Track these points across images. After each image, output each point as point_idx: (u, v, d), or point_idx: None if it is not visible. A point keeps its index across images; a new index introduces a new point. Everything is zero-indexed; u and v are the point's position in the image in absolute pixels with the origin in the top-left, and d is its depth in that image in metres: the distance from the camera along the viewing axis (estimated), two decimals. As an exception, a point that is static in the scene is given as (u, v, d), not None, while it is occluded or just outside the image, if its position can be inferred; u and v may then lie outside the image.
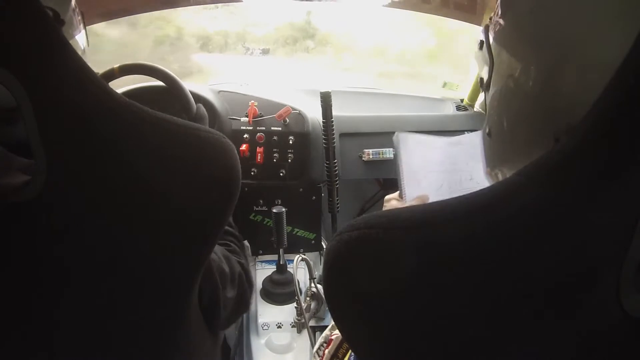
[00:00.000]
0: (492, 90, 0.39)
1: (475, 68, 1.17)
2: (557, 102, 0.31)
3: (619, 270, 0.25)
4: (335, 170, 1.05)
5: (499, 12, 0.37)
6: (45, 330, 0.42)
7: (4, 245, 0.38)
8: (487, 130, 0.41)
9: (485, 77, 0.40)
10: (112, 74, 0.87)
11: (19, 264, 0.39)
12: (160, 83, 0.92)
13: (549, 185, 0.26)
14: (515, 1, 0.35)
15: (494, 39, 0.38)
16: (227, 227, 0.74)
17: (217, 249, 0.62)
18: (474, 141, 0.91)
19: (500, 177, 0.39)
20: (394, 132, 1.16)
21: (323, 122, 1.01)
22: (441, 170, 0.84)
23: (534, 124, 0.33)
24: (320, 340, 0.66)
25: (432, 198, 0.76)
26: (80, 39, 0.54)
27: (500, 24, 0.36)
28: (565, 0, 0.30)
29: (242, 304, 0.67)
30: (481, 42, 0.40)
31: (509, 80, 0.35)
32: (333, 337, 0.62)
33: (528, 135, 0.35)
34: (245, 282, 0.66)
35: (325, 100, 1.00)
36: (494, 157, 0.41)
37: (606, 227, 0.25)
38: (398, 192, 0.79)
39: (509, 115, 0.37)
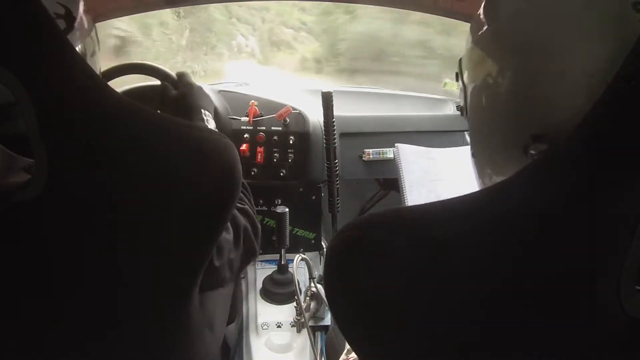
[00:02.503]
0: (470, 104, 0.41)
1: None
2: (532, 108, 0.31)
3: (619, 271, 0.25)
4: (336, 170, 1.05)
5: (482, 17, 0.37)
6: (44, 329, 0.42)
7: (5, 244, 0.38)
8: (472, 152, 0.43)
9: (462, 103, 0.42)
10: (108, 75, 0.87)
11: (20, 263, 0.39)
12: (159, 83, 0.91)
13: (549, 186, 0.26)
14: (498, 7, 0.35)
15: (475, 42, 0.38)
16: None
17: None
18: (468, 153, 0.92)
19: (487, 180, 0.40)
20: (394, 132, 1.16)
21: (324, 122, 1.01)
22: (439, 180, 0.85)
23: (509, 130, 0.34)
24: None
25: None
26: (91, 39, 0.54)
27: (482, 29, 0.37)
28: (546, 8, 0.30)
29: (251, 254, 0.66)
30: (456, 74, 0.42)
31: (487, 85, 0.36)
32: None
33: (505, 142, 0.35)
34: (251, 234, 0.66)
35: (327, 100, 1.00)
36: (482, 175, 0.42)
37: (606, 227, 0.25)
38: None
39: (487, 123, 0.38)
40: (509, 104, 0.33)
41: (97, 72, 0.54)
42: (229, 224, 0.61)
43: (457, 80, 0.43)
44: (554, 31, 0.29)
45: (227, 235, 0.60)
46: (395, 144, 0.95)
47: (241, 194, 0.71)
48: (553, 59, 0.29)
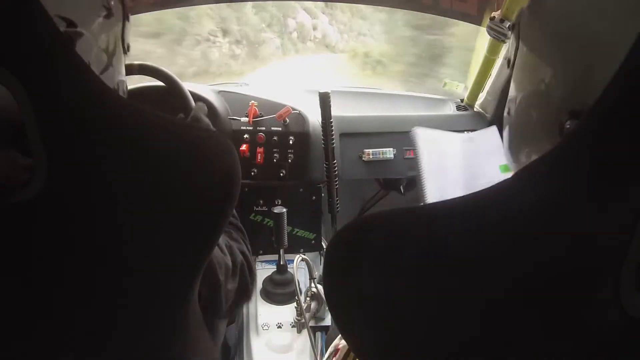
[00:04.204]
0: (515, 79, 0.40)
1: (476, 68, 1.17)
2: (576, 103, 0.31)
3: (619, 271, 0.25)
4: (335, 171, 1.05)
5: (527, 10, 0.37)
6: (44, 328, 0.42)
7: (5, 244, 0.38)
8: (507, 111, 0.42)
9: (511, 58, 0.41)
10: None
11: (20, 263, 0.39)
12: (159, 83, 0.92)
13: (549, 186, 0.26)
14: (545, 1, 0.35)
15: (518, 34, 0.38)
16: (231, 218, 0.74)
17: (220, 240, 0.62)
18: (485, 137, 0.91)
19: (524, 160, 0.39)
20: (394, 132, 1.16)
21: (322, 122, 1.01)
22: (457, 166, 0.84)
23: (552, 121, 0.33)
24: (330, 349, 0.66)
25: (450, 193, 0.76)
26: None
27: (525, 20, 0.36)
28: (593, 2, 0.30)
29: (245, 294, 0.67)
30: (512, 25, 0.41)
31: (533, 78, 0.35)
32: (340, 347, 0.62)
33: (544, 130, 0.35)
34: (246, 271, 0.66)
35: (324, 101, 1.00)
36: (515, 138, 0.41)
37: (606, 227, 0.25)
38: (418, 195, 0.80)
39: (530, 107, 0.37)
40: (551, 89, 0.33)
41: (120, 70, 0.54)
42: (226, 251, 0.62)
43: (511, 30, 0.42)
44: (602, 21, 0.29)
45: (226, 259, 0.60)
46: (412, 129, 0.94)
47: (238, 235, 0.72)
48: (598, 52, 0.29)
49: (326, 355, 0.66)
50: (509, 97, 0.41)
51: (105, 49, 0.49)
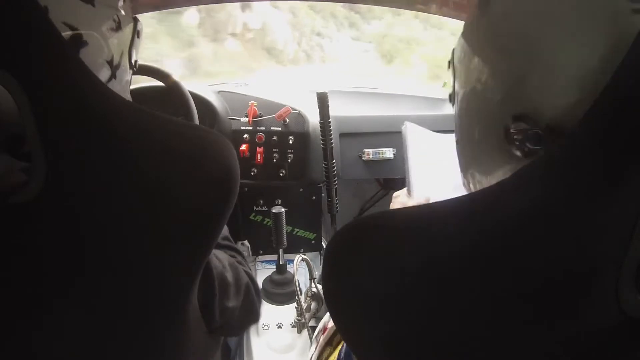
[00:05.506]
0: (458, 98, 0.40)
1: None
2: (520, 106, 0.31)
3: (619, 271, 0.25)
4: (334, 171, 1.05)
5: (474, 15, 0.37)
6: (43, 330, 0.42)
7: (2, 246, 0.38)
8: (456, 139, 0.42)
9: (451, 91, 0.42)
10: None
11: (19, 266, 0.39)
12: (159, 83, 0.92)
13: (548, 186, 0.26)
14: (490, 4, 0.35)
15: (465, 40, 0.38)
16: (227, 242, 0.74)
17: (224, 257, 0.63)
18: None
19: (471, 180, 0.40)
20: (394, 132, 1.16)
21: (320, 122, 1.02)
22: (446, 166, 0.84)
23: (495, 127, 0.34)
24: (319, 326, 0.66)
25: (438, 192, 0.76)
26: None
27: (473, 27, 0.37)
28: (539, 5, 0.30)
29: (252, 314, 0.68)
30: (448, 63, 0.42)
31: (475, 83, 0.36)
32: (329, 326, 0.62)
33: (489, 137, 0.35)
34: (253, 294, 0.67)
35: (322, 101, 1.00)
36: (464, 162, 0.41)
37: (605, 227, 0.25)
38: (406, 188, 0.79)
39: (473, 119, 0.38)
40: (493, 94, 0.33)
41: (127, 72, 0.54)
42: (229, 268, 0.61)
43: (448, 68, 0.42)
44: (544, 29, 0.29)
45: (227, 274, 0.60)
46: (405, 122, 0.95)
47: (242, 260, 0.72)
48: (542, 56, 0.29)
49: (315, 333, 0.67)
50: (455, 127, 0.42)
51: (110, 61, 0.49)
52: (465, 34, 0.38)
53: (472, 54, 0.36)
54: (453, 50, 0.41)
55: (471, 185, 0.40)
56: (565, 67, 0.28)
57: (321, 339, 0.61)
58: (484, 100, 0.34)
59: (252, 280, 0.68)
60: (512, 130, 0.30)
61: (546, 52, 0.29)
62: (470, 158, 0.39)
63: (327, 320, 0.64)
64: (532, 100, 0.30)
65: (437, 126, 1.20)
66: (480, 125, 0.36)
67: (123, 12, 0.50)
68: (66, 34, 0.42)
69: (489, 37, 0.34)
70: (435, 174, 0.82)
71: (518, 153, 0.30)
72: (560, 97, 0.28)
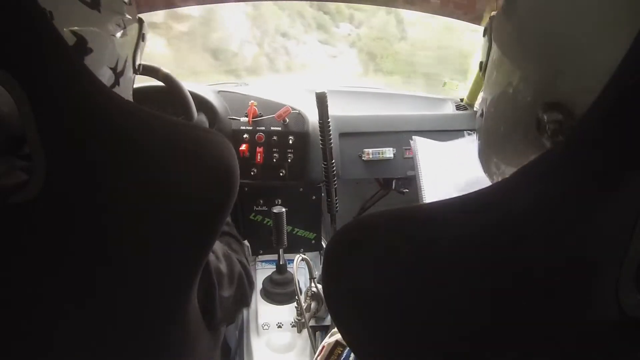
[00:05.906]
0: (487, 81, 0.40)
1: (475, 67, 1.17)
2: (552, 95, 0.30)
3: (619, 270, 0.25)
4: (333, 171, 1.05)
5: (501, 13, 0.37)
6: (45, 329, 0.42)
7: (2, 246, 0.38)
8: (480, 112, 0.41)
9: (484, 60, 0.41)
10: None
11: (19, 265, 0.39)
12: (159, 83, 0.92)
13: (548, 186, 0.26)
14: (517, 3, 0.34)
15: (494, 38, 0.38)
16: (227, 228, 0.74)
17: (218, 247, 0.63)
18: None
19: (496, 171, 0.39)
20: (393, 132, 1.16)
21: (319, 122, 1.01)
22: (456, 172, 0.84)
23: (526, 117, 0.33)
24: (319, 347, 0.66)
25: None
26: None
27: (501, 25, 0.36)
28: (568, 4, 0.30)
29: (242, 302, 0.67)
30: (484, 29, 0.41)
31: (504, 81, 0.35)
32: (325, 345, 0.62)
33: (517, 126, 0.34)
34: (245, 282, 0.67)
35: (321, 101, 0.99)
36: (487, 152, 0.41)
37: (606, 227, 0.25)
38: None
39: (500, 108, 0.37)
40: (525, 86, 0.33)
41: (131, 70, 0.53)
42: (222, 258, 0.61)
43: (483, 35, 0.42)
44: (576, 27, 0.29)
45: (221, 265, 0.60)
46: (413, 137, 0.95)
47: (237, 247, 0.72)
48: (572, 52, 0.29)
49: (316, 355, 0.67)
50: (481, 99, 0.41)
51: (114, 68, 0.48)
52: (490, 33, 0.38)
53: (501, 55, 0.36)
54: (491, 17, 0.40)
55: (494, 176, 0.40)
56: (598, 60, 0.27)
57: (318, 359, 0.62)
58: (515, 90, 0.34)
59: (245, 268, 0.68)
60: (545, 120, 0.29)
61: (582, 41, 0.28)
62: (495, 147, 0.39)
63: (328, 341, 0.64)
64: (566, 91, 0.29)
65: (437, 126, 1.20)
66: (509, 113, 0.35)
67: (129, 16, 0.50)
68: (71, 39, 0.42)
69: (517, 36, 0.34)
70: (446, 182, 0.83)
71: (547, 143, 0.30)
72: (594, 86, 0.27)
